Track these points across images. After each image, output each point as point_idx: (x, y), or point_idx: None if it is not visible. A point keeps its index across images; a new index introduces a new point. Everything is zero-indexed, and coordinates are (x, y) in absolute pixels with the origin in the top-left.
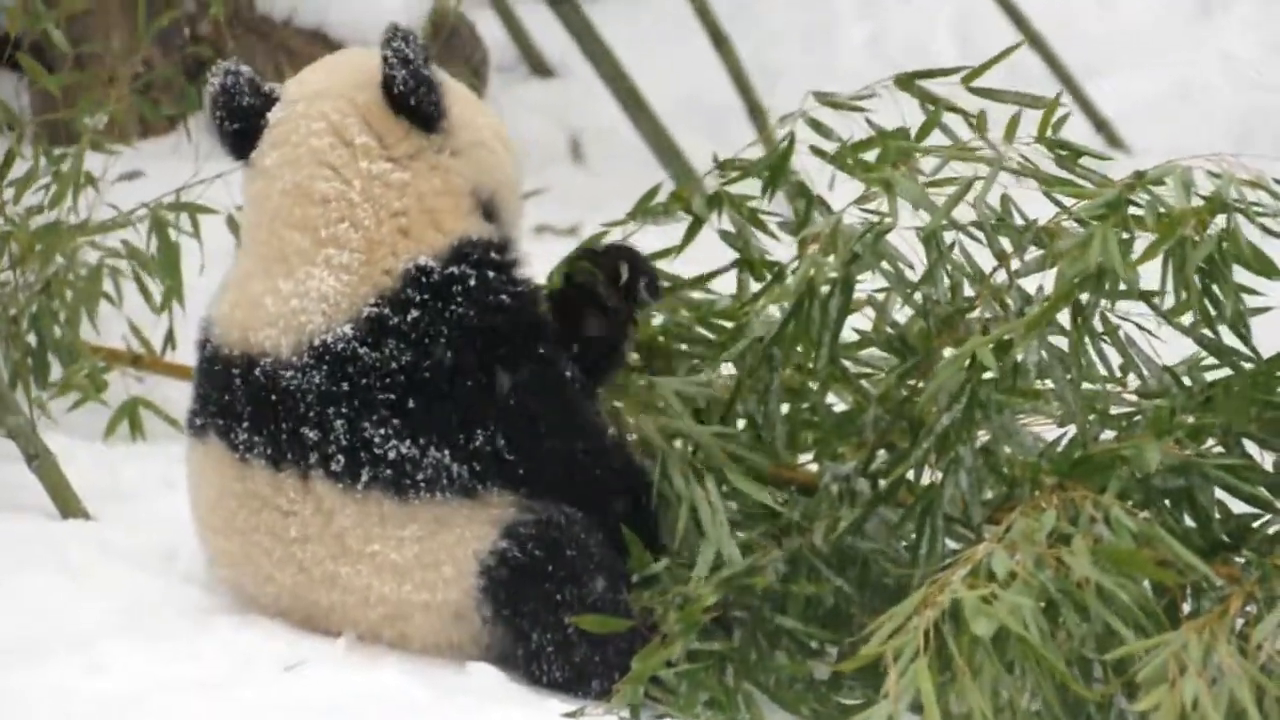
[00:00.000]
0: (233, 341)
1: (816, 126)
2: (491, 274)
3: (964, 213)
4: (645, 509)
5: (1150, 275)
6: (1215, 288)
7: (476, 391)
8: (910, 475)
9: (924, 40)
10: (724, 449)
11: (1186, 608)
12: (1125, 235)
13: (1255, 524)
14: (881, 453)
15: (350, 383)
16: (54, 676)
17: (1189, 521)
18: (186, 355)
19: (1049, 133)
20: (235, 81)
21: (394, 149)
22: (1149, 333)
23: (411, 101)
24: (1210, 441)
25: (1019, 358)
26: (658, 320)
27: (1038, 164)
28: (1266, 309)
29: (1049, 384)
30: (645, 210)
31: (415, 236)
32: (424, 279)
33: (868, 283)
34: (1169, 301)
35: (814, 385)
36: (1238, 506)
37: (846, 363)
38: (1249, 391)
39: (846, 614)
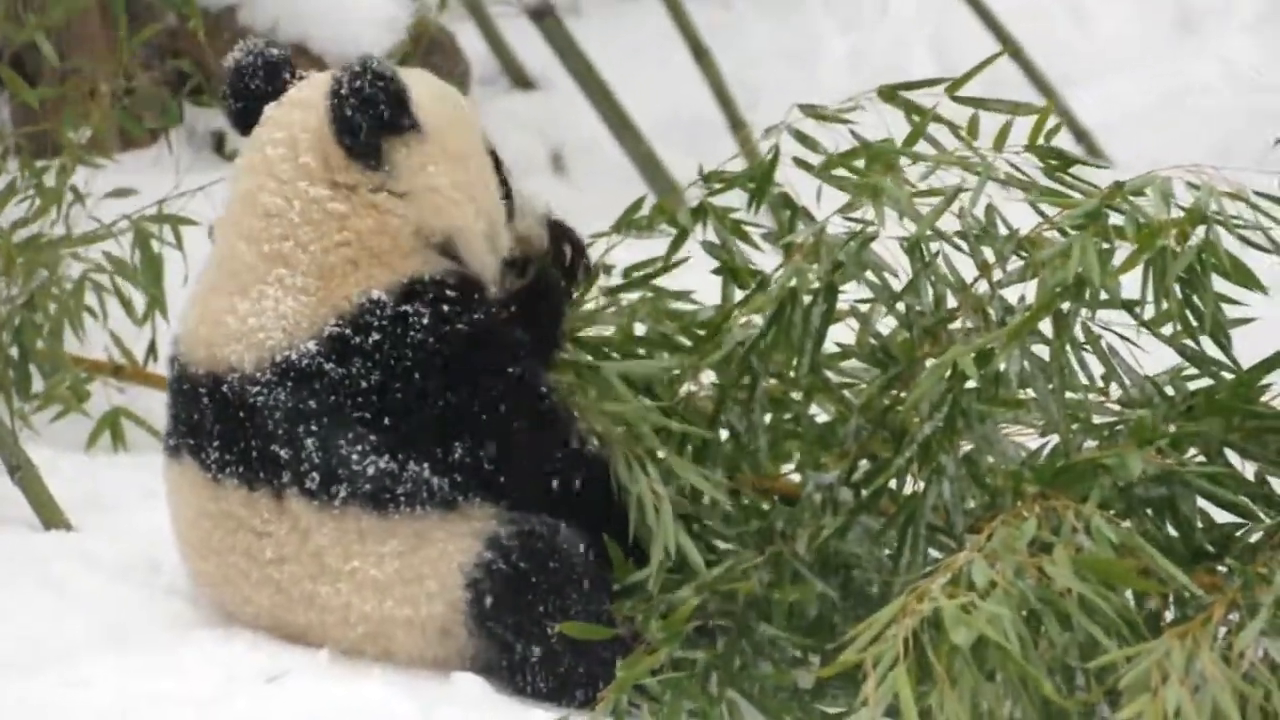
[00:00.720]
0: (199, 359)
1: (802, 139)
2: (446, 308)
3: (949, 222)
4: (624, 517)
5: (1131, 285)
6: (1195, 298)
7: (448, 409)
8: (893, 484)
9: (903, 57)
10: (653, 424)
11: (1169, 616)
12: (1105, 245)
13: (1238, 533)
14: (864, 462)
15: (318, 399)
16: (36, 690)
17: (1171, 530)
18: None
19: (1040, 141)
20: (252, 62)
21: (336, 175)
22: (1131, 342)
23: (345, 140)
24: (1192, 451)
25: (1001, 367)
26: (640, 330)
27: (1026, 173)
28: (1248, 320)
29: (1030, 393)
30: (629, 223)
31: (364, 270)
32: (379, 310)
33: (851, 293)
34: (1150, 312)
35: (796, 396)
36: (1220, 515)
37: (829, 373)
38: (1230, 401)
39: (830, 622)
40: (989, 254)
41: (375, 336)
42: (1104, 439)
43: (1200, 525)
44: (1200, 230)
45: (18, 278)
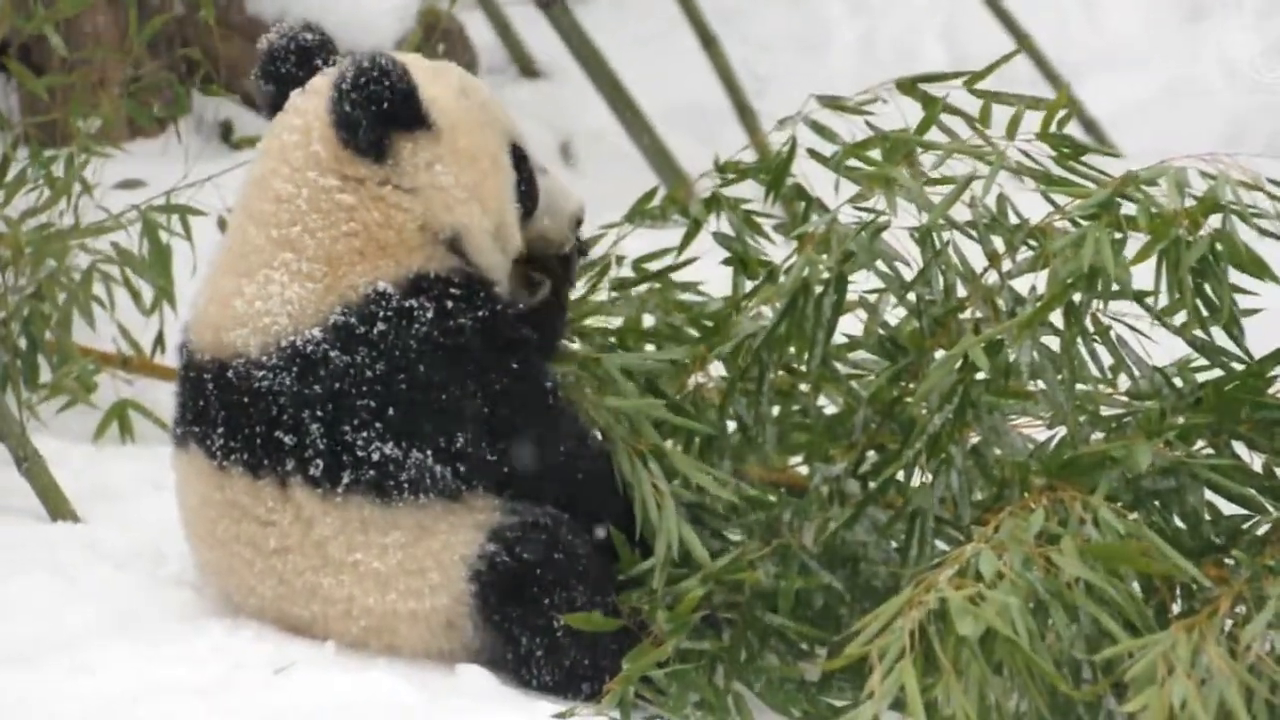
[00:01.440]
0: (206, 344)
1: (819, 129)
2: (450, 304)
3: (960, 212)
4: (630, 509)
5: (1142, 275)
6: (1208, 288)
7: (451, 400)
8: (900, 476)
9: (913, 44)
10: (656, 419)
11: (1176, 609)
12: (1118, 235)
13: (1245, 525)
14: (871, 454)
15: (323, 385)
16: (44, 679)
17: (1179, 523)
18: (175, 358)
19: (1052, 130)
20: (285, 46)
21: (345, 167)
22: (1140, 333)
23: (342, 135)
24: (1200, 443)
25: (1012, 357)
26: (648, 321)
27: (1039, 162)
28: (1257, 310)
29: (1039, 385)
30: (642, 212)
31: (370, 261)
32: (384, 302)
33: (861, 283)
34: (1162, 302)
35: (804, 387)
36: (1227, 508)
37: (837, 364)
38: (1239, 392)
39: (836, 614)
40: (999, 244)
41: (380, 327)
42: (1112, 431)
43: (1208, 518)
44: (1214, 219)
45: (26, 268)
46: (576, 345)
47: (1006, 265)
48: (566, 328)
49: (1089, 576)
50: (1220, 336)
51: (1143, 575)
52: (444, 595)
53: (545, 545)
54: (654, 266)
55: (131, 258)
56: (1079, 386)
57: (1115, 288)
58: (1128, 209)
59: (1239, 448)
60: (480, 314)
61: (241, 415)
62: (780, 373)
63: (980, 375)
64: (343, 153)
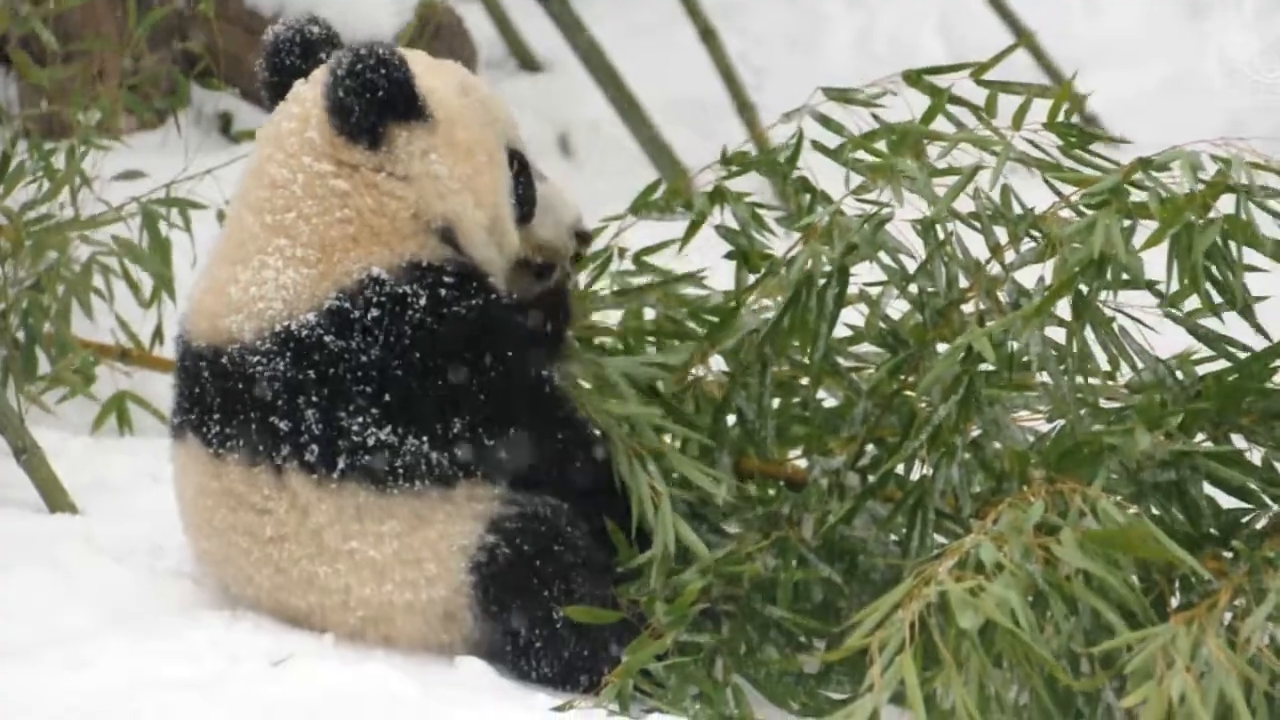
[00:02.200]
0: (202, 331)
1: (826, 122)
2: (443, 292)
3: (964, 203)
4: (627, 501)
5: (1148, 267)
6: (1216, 271)
7: (446, 387)
8: (899, 469)
9: (911, 38)
10: (656, 425)
11: (1175, 602)
12: (1127, 222)
13: (1244, 518)
14: (870, 447)
15: (318, 370)
16: (42, 672)
17: (1179, 515)
18: (173, 350)
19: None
20: (290, 38)
21: (340, 153)
22: (1142, 324)
23: (334, 121)
24: (1200, 436)
25: (1016, 348)
26: (650, 315)
27: (1046, 152)
28: (1263, 298)
29: (1041, 376)
30: (644, 205)
31: (364, 247)
32: (379, 287)
33: (862, 275)
34: (1171, 289)
35: (805, 380)
36: (1227, 501)
37: (838, 357)
38: (1241, 381)
39: (836, 607)
40: (1002, 235)
41: (375, 313)
42: (1112, 423)
43: (1207, 510)
44: (1225, 205)
45: (26, 260)
46: (578, 349)
47: (1010, 256)
48: (573, 321)
49: (1089, 567)
50: (1228, 326)
51: (1142, 567)
52: (442, 587)
53: (545, 537)
54: (655, 260)
55: (131, 250)
56: (1080, 379)
57: (1125, 276)
58: (1136, 197)
59: (1239, 441)
60: (474, 302)
61: (237, 401)
62: (781, 366)
63: (985, 367)
64: (337, 139)
